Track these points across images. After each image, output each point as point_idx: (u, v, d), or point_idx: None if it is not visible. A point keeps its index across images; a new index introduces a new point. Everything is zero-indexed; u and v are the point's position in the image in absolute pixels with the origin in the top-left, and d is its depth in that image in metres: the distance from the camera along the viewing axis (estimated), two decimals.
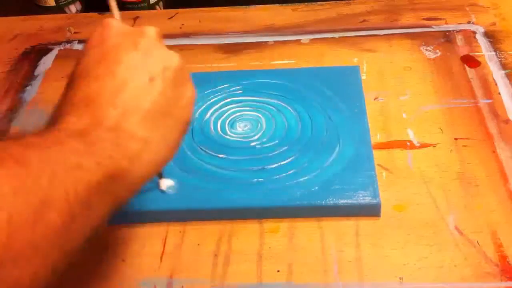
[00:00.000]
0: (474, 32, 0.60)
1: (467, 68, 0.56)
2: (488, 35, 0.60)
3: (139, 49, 0.33)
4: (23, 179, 0.24)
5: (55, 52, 0.64)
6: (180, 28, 0.65)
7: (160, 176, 0.44)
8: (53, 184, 0.25)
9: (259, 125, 0.50)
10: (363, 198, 0.43)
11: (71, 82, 0.32)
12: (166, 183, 0.44)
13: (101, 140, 0.29)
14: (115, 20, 0.35)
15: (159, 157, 0.32)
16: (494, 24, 0.61)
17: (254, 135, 0.49)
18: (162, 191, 0.44)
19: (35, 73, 0.61)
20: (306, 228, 0.43)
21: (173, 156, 0.33)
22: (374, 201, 0.43)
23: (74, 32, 0.67)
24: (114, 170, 0.28)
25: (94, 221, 0.27)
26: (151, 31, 0.35)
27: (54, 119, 0.30)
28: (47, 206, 0.24)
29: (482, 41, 0.59)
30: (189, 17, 0.67)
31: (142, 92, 0.31)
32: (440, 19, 0.63)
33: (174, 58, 0.34)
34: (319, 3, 0.66)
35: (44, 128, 0.29)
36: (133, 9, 0.71)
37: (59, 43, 0.65)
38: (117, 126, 0.30)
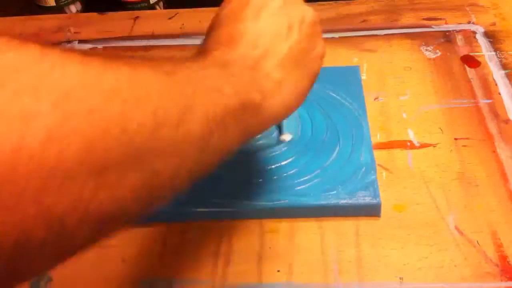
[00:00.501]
0: (474, 32, 0.60)
1: (467, 68, 0.56)
2: (488, 35, 0.60)
3: None
4: (170, 85, 0.25)
5: None
6: (180, 28, 0.65)
7: (280, 131, 0.48)
8: (195, 97, 0.26)
9: None
10: (363, 198, 0.43)
11: (216, 24, 0.34)
12: (287, 137, 0.48)
13: (240, 74, 0.31)
14: None
15: (289, 101, 0.34)
16: (494, 24, 0.61)
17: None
18: (283, 141, 0.48)
19: None
20: (306, 228, 0.43)
21: (301, 103, 0.35)
22: (374, 201, 0.43)
23: (75, 32, 0.67)
24: (248, 102, 0.30)
25: (228, 143, 0.29)
26: None
27: (199, 54, 0.32)
28: (191, 113, 0.25)
29: (482, 41, 0.59)
30: (189, 17, 0.67)
31: (281, 38, 0.34)
32: (440, 19, 0.63)
33: (310, 12, 0.37)
34: (318, 3, 0.66)
35: (190, 58, 0.31)
36: (133, 9, 0.71)
37: (59, 43, 0.65)
38: (256, 65, 0.32)
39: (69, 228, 0.20)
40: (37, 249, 0.19)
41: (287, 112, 0.34)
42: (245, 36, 0.33)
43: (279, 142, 0.48)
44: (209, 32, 0.34)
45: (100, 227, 0.21)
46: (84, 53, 0.22)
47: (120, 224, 0.23)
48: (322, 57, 0.37)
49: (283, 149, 0.47)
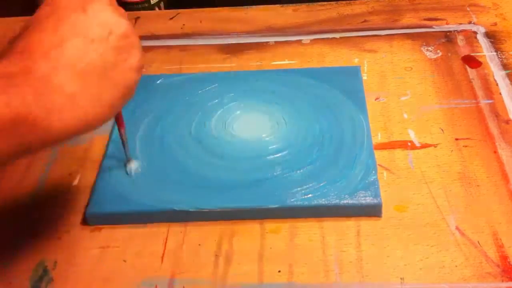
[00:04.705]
0: (475, 32, 0.60)
1: (468, 69, 0.56)
2: (489, 35, 0.60)
3: (86, 11, 0.34)
4: None
5: None
6: (181, 28, 0.65)
7: (128, 160, 0.47)
8: None
9: (260, 125, 0.50)
10: (364, 198, 0.43)
11: (21, 32, 0.33)
12: (133, 167, 0.47)
13: (24, 86, 0.30)
14: None
15: (89, 114, 0.33)
16: (495, 24, 0.61)
17: (255, 136, 0.49)
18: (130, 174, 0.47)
19: None
20: (307, 228, 0.43)
21: (109, 115, 0.34)
22: (375, 201, 0.43)
23: None
24: (25, 116, 0.29)
25: None
26: None
27: None
28: None
29: (483, 42, 0.59)
30: (190, 17, 0.67)
31: (79, 52, 0.33)
32: (441, 19, 0.63)
33: (121, 25, 0.35)
34: (320, 3, 0.66)
35: None
36: (134, 9, 0.71)
37: None
38: (46, 77, 0.31)
39: None
40: None
41: (88, 125, 0.33)
42: (38, 47, 0.32)
43: None
44: (13, 39, 0.33)
45: None
46: None
47: None
48: (137, 69, 0.36)
49: (284, 149, 0.47)
